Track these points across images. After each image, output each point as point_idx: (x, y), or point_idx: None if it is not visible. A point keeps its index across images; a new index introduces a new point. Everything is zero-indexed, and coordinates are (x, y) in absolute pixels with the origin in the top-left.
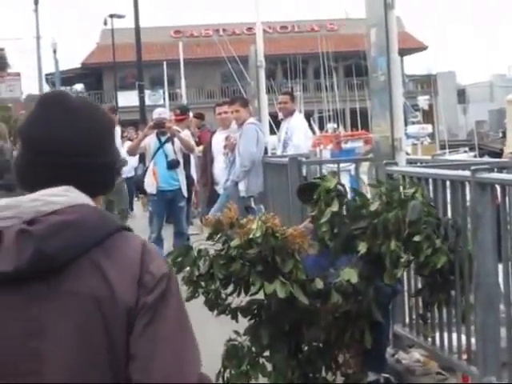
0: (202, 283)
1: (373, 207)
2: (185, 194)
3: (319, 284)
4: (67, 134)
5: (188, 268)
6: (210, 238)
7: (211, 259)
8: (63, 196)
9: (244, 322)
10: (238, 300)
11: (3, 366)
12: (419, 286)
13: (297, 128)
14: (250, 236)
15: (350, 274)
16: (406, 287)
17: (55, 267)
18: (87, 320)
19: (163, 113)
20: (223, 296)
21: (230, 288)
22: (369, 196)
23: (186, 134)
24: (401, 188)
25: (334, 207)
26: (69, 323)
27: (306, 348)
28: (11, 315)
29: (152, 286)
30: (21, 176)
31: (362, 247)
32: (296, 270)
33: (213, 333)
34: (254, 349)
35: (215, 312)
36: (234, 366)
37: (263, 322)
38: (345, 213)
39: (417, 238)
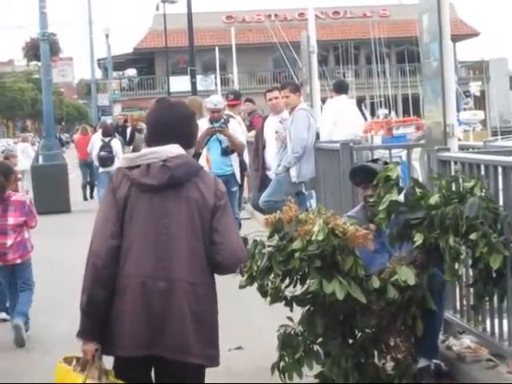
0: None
1: (432, 200)
2: (238, 179)
3: (376, 283)
4: (171, 117)
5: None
6: (270, 236)
7: (269, 255)
8: (176, 149)
9: (289, 310)
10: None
11: (154, 232)
12: (470, 273)
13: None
14: (312, 238)
15: (407, 275)
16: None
17: (178, 184)
18: (191, 210)
19: (219, 103)
20: (280, 288)
21: (287, 281)
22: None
23: (238, 121)
24: (460, 180)
25: (394, 196)
26: (182, 211)
27: (359, 335)
28: (155, 206)
29: (221, 197)
30: (152, 139)
31: (418, 238)
32: (356, 267)
33: (266, 319)
34: (308, 336)
35: (268, 299)
36: (289, 354)
37: (318, 310)
38: (402, 200)
39: (473, 236)
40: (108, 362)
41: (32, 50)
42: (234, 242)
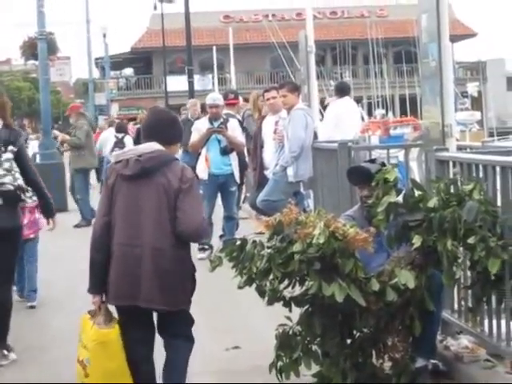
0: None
1: (431, 203)
2: (237, 179)
3: (375, 286)
4: (153, 121)
5: (246, 264)
6: (270, 239)
7: (269, 257)
8: (153, 146)
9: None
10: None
11: (131, 211)
12: (468, 274)
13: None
14: (313, 241)
15: (406, 278)
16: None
17: (149, 173)
18: (159, 193)
19: (217, 99)
20: (279, 289)
21: (285, 282)
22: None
23: (236, 121)
24: (459, 183)
25: (392, 197)
26: (152, 194)
27: (357, 335)
28: (132, 191)
29: (185, 181)
30: (143, 138)
31: (417, 240)
32: (356, 269)
33: (264, 319)
34: (306, 336)
35: (266, 299)
36: (287, 354)
37: (317, 311)
38: (401, 201)
39: (471, 240)
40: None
41: (30, 49)
42: (192, 216)
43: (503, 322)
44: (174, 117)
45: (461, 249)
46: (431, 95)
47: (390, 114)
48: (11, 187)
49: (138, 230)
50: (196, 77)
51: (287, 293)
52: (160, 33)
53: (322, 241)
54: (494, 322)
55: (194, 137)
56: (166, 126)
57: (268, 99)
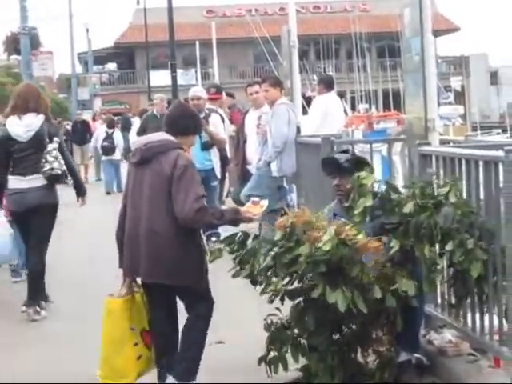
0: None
1: (406, 209)
2: (218, 174)
3: (378, 293)
4: (169, 113)
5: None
6: (281, 240)
7: (274, 255)
8: (160, 136)
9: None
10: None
11: (135, 195)
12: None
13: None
14: (321, 246)
15: (407, 286)
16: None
17: (148, 161)
18: (154, 179)
19: (199, 91)
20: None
21: (286, 279)
22: (400, 178)
23: (218, 116)
24: (434, 185)
25: (368, 201)
26: (150, 180)
27: (346, 330)
28: (137, 177)
29: (178, 168)
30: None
31: (395, 244)
32: (361, 274)
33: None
34: (296, 330)
35: (258, 288)
36: (277, 348)
37: (310, 307)
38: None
39: (449, 247)
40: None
41: (12, 44)
42: (179, 204)
43: (486, 316)
44: (188, 110)
45: (441, 261)
46: (414, 89)
47: (374, 108)
48: (59, 171)
49: (139, 213)
50: (179, 71)
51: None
52: (143, 28)
53: (327, 248)
54: (477, 315)
55: None
56: (178, 118)
57: (251, 94)
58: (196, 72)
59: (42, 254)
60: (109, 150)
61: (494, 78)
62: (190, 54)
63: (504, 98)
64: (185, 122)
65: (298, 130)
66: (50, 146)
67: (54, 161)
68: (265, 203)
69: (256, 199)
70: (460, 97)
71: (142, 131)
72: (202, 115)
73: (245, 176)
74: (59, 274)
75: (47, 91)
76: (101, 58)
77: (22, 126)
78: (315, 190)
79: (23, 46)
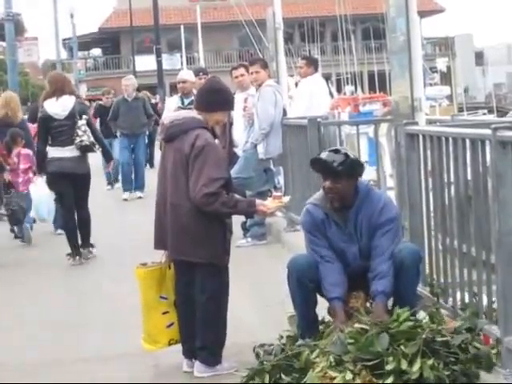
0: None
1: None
2: None
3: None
4: (199, 90)
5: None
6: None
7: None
8: (187, 114)
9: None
10: None
11: (162, 171)
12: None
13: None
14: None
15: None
16: (426, 250)
17: (172, 138)
18: (176, 157)
19: (185, 74)
20: None
21: None
22: (387, 160)
23: None
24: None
25: None
26: (172, 157)
27: None
28: (164, 153)
29: (196, 148)
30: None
31: None
32: None
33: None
34: None
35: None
36: None
37: None
38: None
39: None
40: None
41: None
42: (193, 185)
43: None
44: (218, 86)
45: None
46: (400, 70)
47: (359, 90)
48: (87, 143)
49: (164, 188)
50: (164, 56)
51: None
52: (128, 12)
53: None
54: (466, 294)
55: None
56: (205, 93)
57: (236, 76)
58: (181, 56)
59: (85, 207)
60: None
61: (479, 58)
62: (174, 38)
63: (490, 79)
64: (210, 97)
65: (285, 112)
66: (79, 122)
67: (83, 134)
68: (286, 199)
69: (278, 194)
70: (446, 77)
71: (113, 117)
72: (191, 98)
73: (231, 159)
74: (107, 240)
75: (32, 77)
76: (85, 43)
77: (60, 106)
78: (302, 172)
79: (7, 32)
